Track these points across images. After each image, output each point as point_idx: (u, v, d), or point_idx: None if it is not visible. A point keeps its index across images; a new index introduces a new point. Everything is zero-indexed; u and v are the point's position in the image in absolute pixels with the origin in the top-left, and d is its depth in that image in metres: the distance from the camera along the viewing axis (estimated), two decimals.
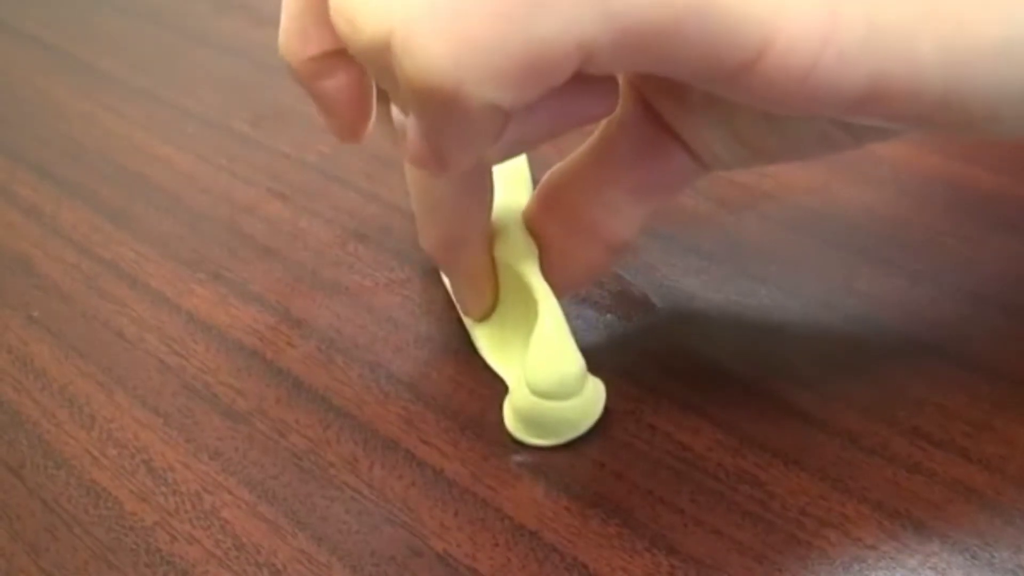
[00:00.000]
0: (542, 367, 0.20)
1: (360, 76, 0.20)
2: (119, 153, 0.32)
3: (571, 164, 0.22)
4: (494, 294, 0.23)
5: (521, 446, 0.21)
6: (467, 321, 0.24)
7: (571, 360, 0.20)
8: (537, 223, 0.22)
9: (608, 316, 0.25)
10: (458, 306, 0.24)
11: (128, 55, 0.38)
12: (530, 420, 0.21)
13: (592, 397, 0.21)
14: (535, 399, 0.20)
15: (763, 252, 0.27)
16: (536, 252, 0.22)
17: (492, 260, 0.22)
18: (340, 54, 0.19)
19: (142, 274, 0.26)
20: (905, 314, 0.24)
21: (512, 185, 0.24)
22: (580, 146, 0.22)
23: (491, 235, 0.22)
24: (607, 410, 0.21)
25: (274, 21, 0.20)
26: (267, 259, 0.27)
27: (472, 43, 0.14)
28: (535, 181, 0.24)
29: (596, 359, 0.21)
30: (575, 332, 0.21)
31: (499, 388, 0.22)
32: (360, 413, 0.22)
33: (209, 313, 0.25)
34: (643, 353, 0.23)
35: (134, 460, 0.21)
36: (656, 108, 0.20)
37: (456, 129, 0.15)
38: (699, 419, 0.22)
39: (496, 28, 0.14)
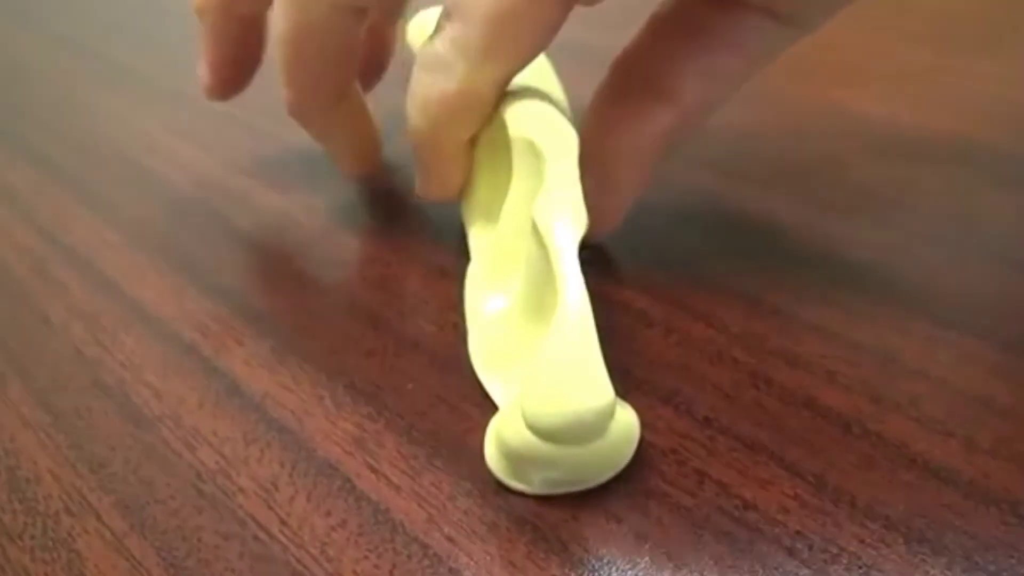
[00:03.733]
0: (548, 396, 0.13)
1: (259, 36, 0.23)
2: (123, 145, 0.28)
3: (639, 40, 0.19)
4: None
5: (506, 487, 0.15)
6: (468, 317, 0.18)
7: (595, 390, 0.13)
8: (611, 98, 0.19)
9: (652, 325, 0.18)
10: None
11: (157, 53, 0.35)
12: (522, 463, 0.14)
13: (619, 439, 0.14)
14: (535, 441, 0.14)
15: (877, 264, 0.20)
16: (582, 217, 0.16)
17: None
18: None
19: (99, 260, 0.22)
20: None
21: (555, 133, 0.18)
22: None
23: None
24: (637, 444, 0.15)
25: None
26: (244, 250, 0.22)
27: None
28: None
29: (629, 376, 0.14)
30: (605, 341, 0.14)
31: (494, 408, 0.16)
32: (299, 428, 0.16)
33: (157, 303, 0.20)
34: (695, 375, 0.17)
35: None
36: None
37: None
38: (771, 465, 0.15)
39: None
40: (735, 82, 0.19)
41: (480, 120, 0.18)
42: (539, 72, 0.25)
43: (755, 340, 0.18)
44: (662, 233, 0.22)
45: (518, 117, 0.18)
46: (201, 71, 0.23)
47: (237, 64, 0.23)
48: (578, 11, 0.17)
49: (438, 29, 0.17)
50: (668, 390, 0.17)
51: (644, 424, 0.15)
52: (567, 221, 0.15)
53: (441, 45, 0.17)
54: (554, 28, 0.17)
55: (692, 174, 0.24)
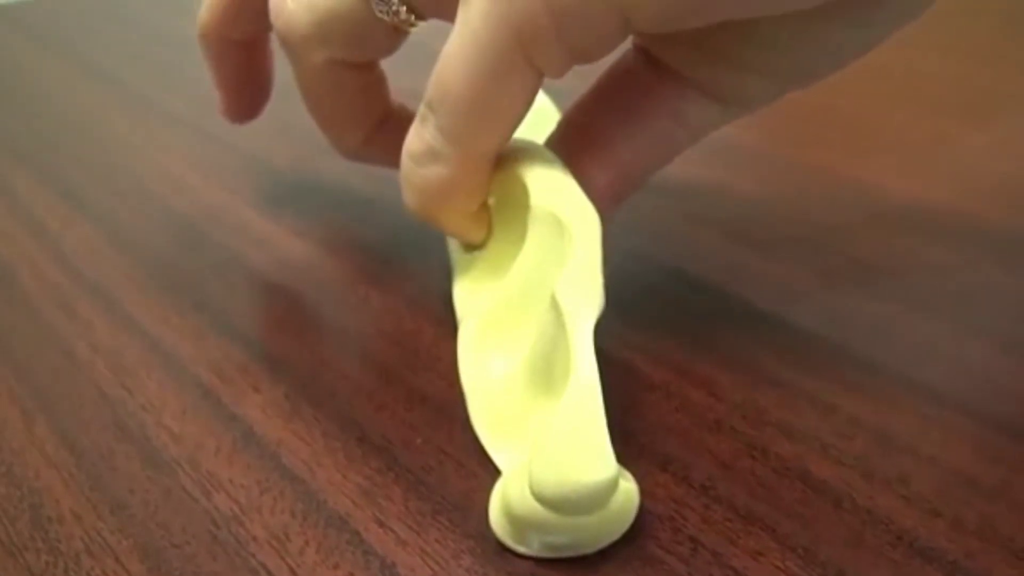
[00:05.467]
0: (555, 468, 0.14)
1: (261, 60, 0.24)
2: (147, 181, 0.29)
3: (583, 100, 0.21)
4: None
5: (507, 548, 0.15)
6: (464, 378, 0.18)
7: (600, 465, 0.14)
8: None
9: (653, 389, 0.19)
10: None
11: (185, 89, 0.36)
12: (525, 527, 0.15)
13: (619, 509, 0.15)
14: (539, 508, 0.14)
15: (876, 337, 0.20)
16: (600, 299, 0.16)
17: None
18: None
19: (124, 298, 0.23)
20: None
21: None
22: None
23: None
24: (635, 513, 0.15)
25: None
26: (264, 295, 0.23)
27: None
28: None
29: (630, 439, 0.15)
30: (606, 403, 0.15)
31: (497, 468, 0.17)
32: (311, 478, 0.17)
33: (177, 344, 0.21)
34: (694, 442, 0.17)
35: (21, 504, 0.17)
36: (660, 57, 0.20)
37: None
38: (763, 536, 0.15)
39: None
40: (674, 149, 0.20)
41: (483, 190, 0.19)
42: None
43: (754, 410, 0.18)
44: (667, 295, 0.22)
45: (541, 187, 0.19)
46: (216, 95, 0.25)
47: (243, 87, 0.25)
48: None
49: (422, 120, 0.18)
50: (666, 456, 0.17)
51: (642, 490, 0.16)
52: (588, 302, 0.16)
53: (431, 136, 0.18)
54: (532, 95, 0.17)
55: (700, 237, 0.25)
